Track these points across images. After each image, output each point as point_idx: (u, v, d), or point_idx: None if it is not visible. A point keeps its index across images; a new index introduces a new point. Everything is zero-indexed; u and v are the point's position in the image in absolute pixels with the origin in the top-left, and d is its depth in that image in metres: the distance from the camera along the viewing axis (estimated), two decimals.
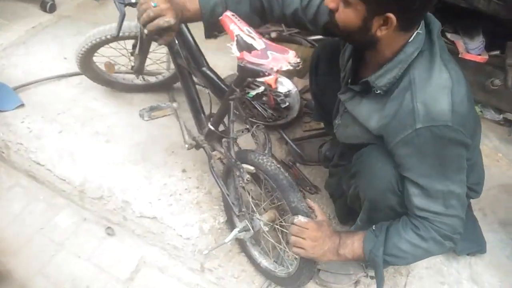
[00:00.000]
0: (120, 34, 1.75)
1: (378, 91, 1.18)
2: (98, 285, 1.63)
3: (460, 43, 2.23)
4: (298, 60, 1.14)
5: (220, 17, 1.26)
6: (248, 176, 1.38)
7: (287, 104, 2.19)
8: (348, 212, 1.64)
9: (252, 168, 1.39)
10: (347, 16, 1.09)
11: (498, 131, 2.30)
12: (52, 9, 2.60)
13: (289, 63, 1.13)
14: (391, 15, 1.04)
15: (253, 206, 1.51)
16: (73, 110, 2.08)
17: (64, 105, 2.09)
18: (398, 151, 1.17)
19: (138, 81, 2.18)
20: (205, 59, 1.59)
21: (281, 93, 2.26)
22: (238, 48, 1.16)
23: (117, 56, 1.96)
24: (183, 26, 1.59)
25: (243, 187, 1.44)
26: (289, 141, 2.02)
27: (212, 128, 1.56)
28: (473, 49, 2.17)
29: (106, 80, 2.12)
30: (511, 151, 2.22)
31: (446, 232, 1.19)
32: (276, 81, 2.40)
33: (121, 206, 1.75)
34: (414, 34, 1.12)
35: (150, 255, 1.72)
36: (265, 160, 1.37)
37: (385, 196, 1.26)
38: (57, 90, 2.16)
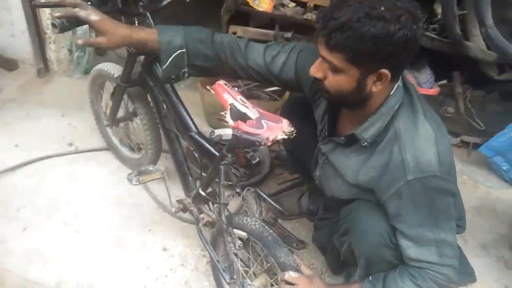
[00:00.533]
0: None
1: (364, 144, 1.20)
2: None
3: (411, 78, 2.36)
4: (292, 129, 1.17)
5: (213, 86, 1.29)
6: (240, 242, 1.38)
7: (257, 159, 2.18)
8: (341, 262, 1.63)
9: (244, 233, 1.38)
10: (340, 81, 1.12)
11: (458, 154, 2.42)
12: None
13: (284, 132, 1.15)
14: (385, 70, 1.07)
15: (243, 272, 1.47)
16: (34, 202, 1.94)
17: (24, 198, 1.95)
18: (391, 203, 1.19)
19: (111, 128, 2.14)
20: (193, 123, 1.59)
21: (249, 149, 2.25)
22: (232, 116, 1.18)
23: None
24: (169, 90, 1.60)
25: (235, 254, 1.41)
26: (266, 198, 1.99)
27: (201, 192, 1.53)
28: (424, 83, 2.30)
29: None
30: (474, 172, 2.34)
31: (442, 282, 1.19)
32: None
33: None
34: (395, 87, 1.17)
35: None
36: (249, 221, 1.37)
37: (379, 250, 1.26)
38: (13, 183, 2.02)
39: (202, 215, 1.60)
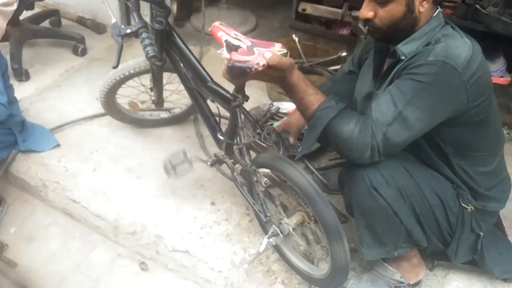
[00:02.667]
0: (131, 71, 1.85)
1: (403, 58, 1.23)
2: None
3: None
4: (285, 50, 1.17)
5: (209, 28, 1.35)
6: (265, 179, 1.43)
7: None
8: None
9: (268, 170, 1.42)
10: (391, 11, 1.20)
11: None
12: (84, 52, 2.74)
13: (275, 54, 1.15)
14: None
15: (280, 210, 1.54)
16: (105, 148, 2.16)
17: (97, 143, 2.18)
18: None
19: (165, 114, 2.26)
20: (208, 75, 1.67)
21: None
22: (228, 50, 1.21)
23: (138, 94, 2.07)
24: (183, 49, 1.70)
25: (264, 191, 1.48)
26: (314, 171, 2.04)
27: (225, 140, 1.62)
28: (495, 71, 2.18)
29: (133, 119, 2.22)
30: None
31: (375, 140, 1.16)
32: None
33: (154, 240, 1.80)
34: (437, 11, 1.24)
35: None
36: (268, 156, 1.44)
37: (366, 194, 1.28)
38: (90, 129, 2.26)
39: (236, 165, 1.68)
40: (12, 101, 1.98)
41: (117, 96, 2.04)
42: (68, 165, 2.04)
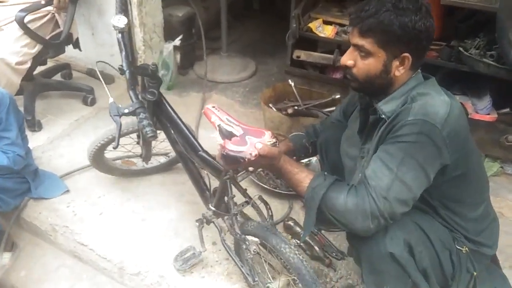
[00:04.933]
0: (124, 131, 1.91)
1: (383, 116, 1.30)
2: None
3: (469, 104, 2.35)
4: (274, 140, 1.29)
5: (203, 110, 1.45)
6: (254, 247, 1.49)
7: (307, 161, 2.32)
8: None
9: (256, 239, 1.49)
10: (369, 66, 1.28)
11: None
12: (93, 102, 2.92)
13: (266, 144, 1.27)
14: (407, 54, 1.25)
15: (268, 273, 1.61)
16: (112, 193, 2.28)
17: (104, 189, 2.30)
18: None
19: (163, 159, 2.38)
20: (199, 144, 1.71)
21: (302, 163, 2.40)
22: (221, 136, 1.30)
23: (125, 144, 2.15)
24: (174, 116, 1.77)
25: (252, 259, 1.56)
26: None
27: (213, 209, 1.70)
28: (482, 109, 2.29)
29: (121, 171, 2.32)
30: None
31: (376, 207, 1.18)
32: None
33: (157, 281, 1.87)
34: (415, 73, 1.33)
35: None
36: (255, 225, 1.52)
37: (381, 258, 1.30)
38: (97, 175, 2.37)
39: (223, 225, 1.74)
40: (27, 152, 2.12)
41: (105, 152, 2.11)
42: (77, 209, 2.15)
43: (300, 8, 2.64)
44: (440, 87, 1.33)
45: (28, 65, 2.40)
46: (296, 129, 2.49)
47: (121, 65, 1.67)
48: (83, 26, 3.06)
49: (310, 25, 2.60)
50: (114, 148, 1.52)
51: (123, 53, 1.67)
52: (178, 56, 3.26)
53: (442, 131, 1.20)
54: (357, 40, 1.27)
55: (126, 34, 1.72)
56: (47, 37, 2.51)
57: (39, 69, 2.89)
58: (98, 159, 2.14)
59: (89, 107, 2.90)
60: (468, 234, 1.41)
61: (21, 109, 2.50)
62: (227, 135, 1.30)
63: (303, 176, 1.32)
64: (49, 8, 2.50)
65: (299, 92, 2.68)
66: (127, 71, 1.64)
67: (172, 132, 1.79)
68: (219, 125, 1.34)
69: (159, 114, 1.82)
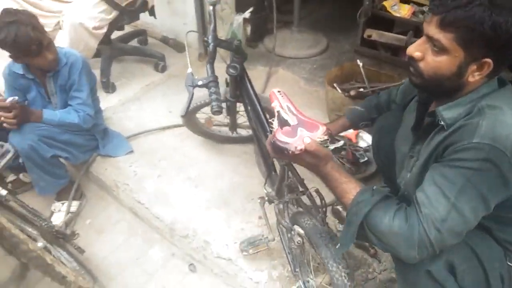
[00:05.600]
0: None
1: (442, 123, 1.14)
2: None
3: None
4: (326, 137, 1.20)
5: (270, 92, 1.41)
6: (299, 239, 1.47)
7: (366, 159, 2.25)
8: None
9: (302, 232, 1.47)
10: (440, 63, 1.10)
11: None
12: (163, 69, 3.04)
13: (315, 140, 1.19)
14: (489, 60, 1.06)
15: (311, 268, 1.59)
16: (172, 157, 2.40)
17: (166, 152, 2.42)
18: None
19: (232, 134, 2.43)
20: (269, 125, 1.69)
21: (361, 148, 2.33)
22: (279, 123, 1.26)
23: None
24: (252, 93, 1.79)
25: (296, 249, 1.54)
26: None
27: (266, 190, 1.72)
28: None
29: (204, 133, 2.42)
30: None
31: (426, 238, 1.05)
32: (356, 136, 2.49)
33: (202, 245, 1.96)
34: (491, 81, 1.14)
35: None
36: (305, 219, 1.47)
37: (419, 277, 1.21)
38: (161, 139, 2.51)
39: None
40: (98, 112, 2.29)
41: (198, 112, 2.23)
42: (138, 169, 2.30)
43: None
44: None
45: (104, 30, 2.55)
46: None
47: (207, 38, 1.70)
48: None
49: (385, 3, 2.46)
50: (182, 116, 1.59)
51: (212, 25, 1.71)
52: (248, 29, 3.26)
53: (511, 158, 1.04)
54: (434, 31, 1.08)
55: (214, 8, 1.75)
56: (123, 4, 2.63)
57: (117, 34, 3.07)
58: (189, 118, 2.24)
59: (160, 73, 3.03)
60: None
61: (98, 71, 2.71)
62: (283, 123, 1.26)
63: (351, 187, 1.19)
64: None
65: (367, 74, 2.57)
66: (211, 44, 1.67)
67: (249, 109, 1.84)
68: (278, 111, 1.31)
69: (241, 88, 1.88)
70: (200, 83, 1.59)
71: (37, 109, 2.03)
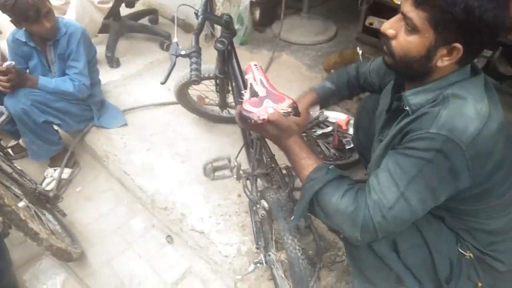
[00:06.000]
0: (202, 75, 2.03)
1: (407, 108, 1.13)
2: (148, 284, 1.88)
3: None
4: (290, 110, 1.21)
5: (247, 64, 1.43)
6: (263, 212, 1.50)
7: (352, 145, 2.23)
8: None
9: (267, 205, 1.49)
10: (410, 44, 1.07)
11: None
12: (168, 48, 3.09)
13: (278, 111, 1.20)
14: (459, 45, 1.03)
15: (272, 242, 1.61)
16: (163, 133, 2.45)
17: (158, 127, 2.47)
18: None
19: (224, 113, 2.46)
20: (241, 96, 1.72)
21: (350, 135, 2.31)
22: (250, 94, 1.29)
23: (207, 91, 2.28)
24: (237, 71, 1.80)
25: (259, 221, 1.57)
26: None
27: (236, 163, 1.73)
28: None
29: (197, 110, 2.46)
30: None
31: (371, 222, 1.05)
32: (347, 123, 2.47)
33: (179, 218, 2.01)
34: (462, 69, 1.11)
35: (196, 266, 1.93)
36: (271, 194, 1.48)
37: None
38: (156, 115, 2.57)
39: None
40: (96, 83, 2.36)
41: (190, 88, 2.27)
42: (128, 142, 2.36)
43: None
44: (489, 87, 1.11)
45: (110, 4, 2.61)
46: (351, 99, 2.39)
47: (197, 10, 1.74)
48: None
49: None
50: (162, 83, 1.65)
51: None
52: (258, 12, 3.27)
53: (466, 152, 1.02)
54: (409, 9, 1.05)
55: None
56: None
57: (128, 11, 3.13)
58: (181, 93, 2.29)
59: (165, 51, 3.09)
60: (476, 243, 1.26)
61: (103, 46, 2.78)
62: (253, 95, 1.29)
63: (309, 163, 1.19)
64: None
65: None
66: (201, 17, 1.71)
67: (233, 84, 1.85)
68: (251, 84, 1.34)
69: (227, 65, 1.89)
70: (182, 52, 1.62)
71: (37, 76, 2.12)
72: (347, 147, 2.24)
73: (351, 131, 2.35)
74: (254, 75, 1.35)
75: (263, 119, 1.18)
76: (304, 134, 2.33)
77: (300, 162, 1.21)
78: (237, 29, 3.11)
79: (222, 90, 2.15)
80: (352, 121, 2.38)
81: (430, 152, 1.03)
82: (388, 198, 1.05)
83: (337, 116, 2.42)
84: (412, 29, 1.06)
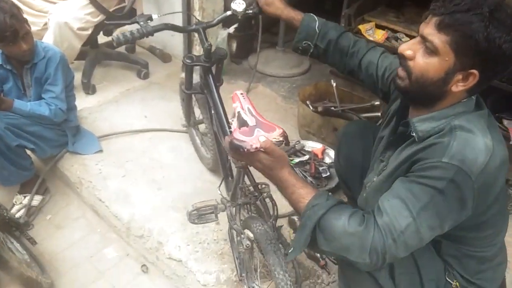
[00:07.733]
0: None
1: (413, 134, 1.15)
2: None
3: None
4: (281, 139, 1.22)
5: (233, 93, 1.44)
6: (248, 242, 1.47)
7: (328, 174, 2.28)
8: None
9: (252, 235, 1.47)
10: (429, 65, 1.09)
11: None
12: (146, 76, 3.10)
13: (270, 140, 1.20)
14: (476, 71, 1.06)
15: (257, 273, 1.60)
16: (139, 160, 2.42)
17: (134, 155, 2.44)
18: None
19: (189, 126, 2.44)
20: (229, 127, 1.70)
21: (326, 163, 2.36)
22: (238, 123, 1.30)
23: None
24: (217, 98, 1.81)
25: (244, 253, 1.55)
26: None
27: (219, 192, 1.72)
28: None
29: None
30: None
31: (381, 244, 1.05)
32: (323, 152, 2.51)
33: (155, 246, 1.96)
34: (468, 99, 1.15)
35: None
36: (256, 224, 1.46)
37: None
38: (131, 142, 2.54)
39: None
40: (72, 109, 2.33)
41: None
42: (103, 168, 2.32)
43: (354, 9, 2.59)
44: (490, 124, 1.16)
45: (89, 32, 2.62)
46: (326, 129, 2.46)
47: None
48: (151, 4, 3.27)
49: (360, 27, 2.54)
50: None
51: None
52: (234, 45, 3.34)
53: (475, 183, 1.05)
54: (430, 32, 1.07)
55: None
56: (111, 9, 2.71)
57: (106, 39, 3.14)
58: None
59: (142, 80, 3.08)
60: (464, 273, 1.30)
61: (79, 72, 2.77)
62: (242, 124, 1.30)
63: (307, 192, 1.18)
64: None
65: (340, 94, 2.63)
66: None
67: (212, 112, 1.83)
68: (238, 112, 1.35)
69: (205, 86, 1.88)
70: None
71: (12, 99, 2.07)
72: (324, 175, 2.28)
73: (327, 160, 2.41)
74: (241, 104, 1.36)
75: (256, 148, 1.18)
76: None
77: (299, 192, 1.19)
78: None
79: (187, 105, 2.22)
80: (327, 150, 2.45)
81: (442, 181, 1.05)
82: (400, 222, 1.06)
83: (313, 145, 2.48)
84: (432, 51, 1.08)
